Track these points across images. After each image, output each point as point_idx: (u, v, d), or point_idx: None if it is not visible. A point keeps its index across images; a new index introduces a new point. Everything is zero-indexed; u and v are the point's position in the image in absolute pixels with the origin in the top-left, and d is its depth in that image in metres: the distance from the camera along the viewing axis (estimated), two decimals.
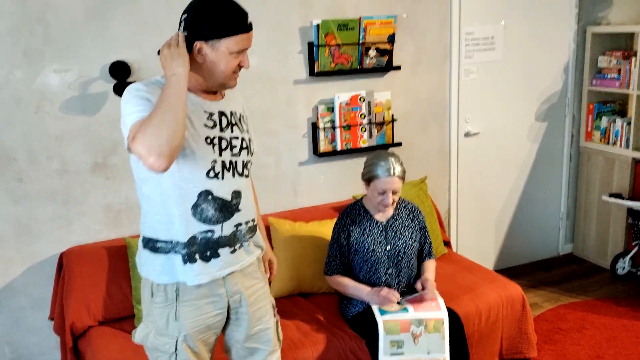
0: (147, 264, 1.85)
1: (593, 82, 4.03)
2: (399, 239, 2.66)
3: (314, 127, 3.25)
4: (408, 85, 3.50)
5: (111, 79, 2.71)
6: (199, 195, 1.77)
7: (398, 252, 2.65)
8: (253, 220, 1.94)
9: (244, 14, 1.74)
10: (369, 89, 3.34)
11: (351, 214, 2.71)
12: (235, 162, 1.85)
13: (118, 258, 2.68)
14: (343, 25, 3.10)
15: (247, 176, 1.90)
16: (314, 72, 3.15)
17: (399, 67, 3.39)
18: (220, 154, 1.80)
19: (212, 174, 1.79)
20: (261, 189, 3.17)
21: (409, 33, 3.42)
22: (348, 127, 3.28)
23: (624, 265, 3.90)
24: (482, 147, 3.87)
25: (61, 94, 2.67)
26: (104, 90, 2.74)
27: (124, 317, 2.65)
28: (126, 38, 2.74)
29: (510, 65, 3.84)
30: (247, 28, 1.74)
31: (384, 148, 3.41)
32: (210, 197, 1.78)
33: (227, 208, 1.82)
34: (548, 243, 4.33)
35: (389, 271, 2.65)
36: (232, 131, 1.85)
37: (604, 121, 3.99)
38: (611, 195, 3.79)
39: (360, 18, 3.14)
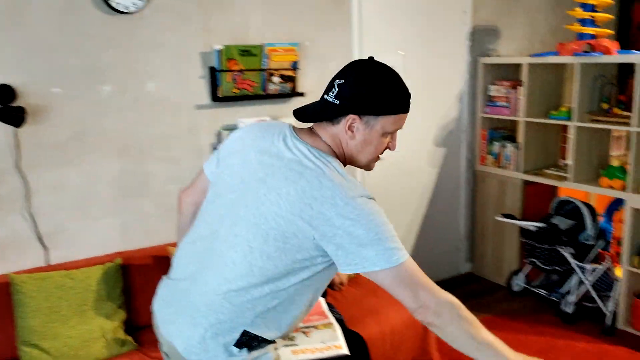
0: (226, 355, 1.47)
1: (485, 110, 4.28)
2: None
3: None
4: None
5: None
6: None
7: None
8: None
9: (409, 93, 1.52)
10: (274, 115, 3.34)
11: None
12: None
13: (1, 296, 2.47)
14: (245, 51, 3.10)
15: None
16: (217, 97, 3.11)
17: (302, 94, 3.43)
18: None
19: None
20: (164, 217, 3.06)
21: (313, 60, 3.48)
22: None
23: (518, 282, 4.12)
24: (385, 172, 3.97)
25: None
26: None
27: None
28: (13, 61, 2.58)
29: (410, 93, 3.98)
30: (408, 108, 1.53)
31: None
32: None
33: None
34: (449, 263, 4.50)
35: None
36: None
37: (496, 146, 4.23)
38: (504, 215, 4.01)
39: (262, 45, 3.15)
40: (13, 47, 2.57)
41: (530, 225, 3.78)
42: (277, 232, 1.41)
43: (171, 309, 1.55)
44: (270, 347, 1.55)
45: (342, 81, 1.46)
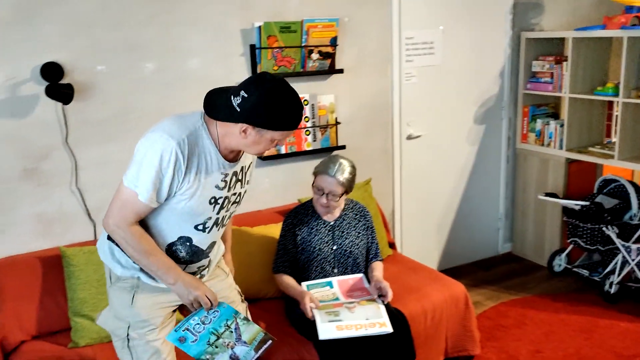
0: (111, 255, 1.93)
1: (527, 86, 4.18)
2: (346, 239, 2.67)
3: None
4: (351, 88, 3.51)
5: (43, 80, 2.58)
6: (179, 238, 1.88)
7: (344, 252, 2.65)
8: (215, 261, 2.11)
9: (299, 114, 1.76)
10: (312, 92, 3.33)
11: (299, 214, 2.71)
12: (224, 217, 1.95)
13: (52, 268, 2.55)
14: (285, 28, 3.08)
15: (225, 225, 2.02)
16: None
17: (341, 71, 3.40)
18: (218, 212, 1.90)
19: (200, 227, 1.89)
20: None
21: (351, 37, 3.44)
22: None
23: (560, 262, 4.05)
24: (424, 149, 3.94)
25: None
26: (35, 92, 2.61)
27: (59, 331, 2.52)
28: (59, 39, 2.63)
29: (449, 70, 3.93)
30: (296, 127, 1.78)
31: (328, 151, 3.41)
32: (188, 243, 1.90)
33: (198, 255, 1.95)
34: (488, 243, 4.45)
35: (335, 270, 2.65)
36: (235, 188, 1.93)
37: (539, 123, 4.14)
38: (547, 194, 3.94)
39: (302, 21, 3.13)
40: (57, 24, 2.62)
41: (574, 204, 3.70)
42: None
43: None
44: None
45: (246, 95, 1.69)
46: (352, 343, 2.35)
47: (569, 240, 3.89)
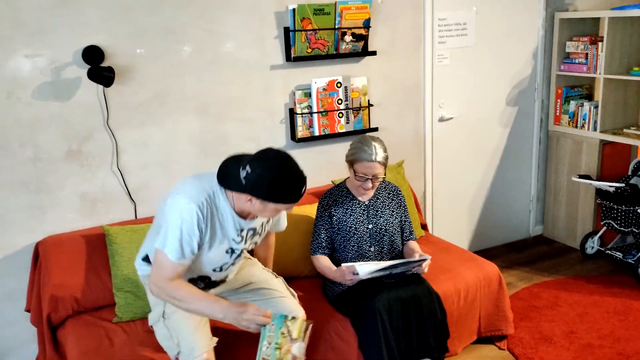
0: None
1: (561, 67, 4.13)
2: (380, 217, 2.70)
3: (292, 113, 3.25)
4: (383, 70, 3.52)
5: (84, 64, 2.64)
6: (199, 276, 2.16)
7: (380, 230, 2.69)
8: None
9: (301, 189, 1.94)
10: (345, 75, 3.35)
11: (334, 195, 2.74)
12: (241, 258, 2.22)
13: (96, 246, 2.64)
14: (319, 10, 3.10)
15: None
16: (291, 58, 3.14)
17: (374, 53, 3.41)
18: (235, 259, 2.17)
19: (218, 269, 2.16)
20: None
21: (384, 18, 3.44)
22: (325, 113, 3.29)
23: (593, 245, 4.03)
24: (455, 131, 3.93)
25: (33, 80, 2.60)
26: (77, 75, 2.68)
27: (103, 306, 2.61)
28: (99, 22, 2.68)
29: (482, 51, 3.90)
30: (297, 200, 1.96)
31: (361, 133, 3.43)
32: (207, 280, 2.19)
33: (215, 285, 2.26)
34: (519, 225, 4.43)
35: (372, 249, 2.68)
36: (253, 239, 2.19)
37: (572, 105, 4.09)
38: (580, 176, 3.90)
39: (335, 3, 3.14)
40: (99, 9, 2.67)
41: (608, 186, 3.67)
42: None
43: None
44: None
45: (250, 170, 1.89)
46: (390, 321, 2.40)
47: (602, 223, 3.86)
